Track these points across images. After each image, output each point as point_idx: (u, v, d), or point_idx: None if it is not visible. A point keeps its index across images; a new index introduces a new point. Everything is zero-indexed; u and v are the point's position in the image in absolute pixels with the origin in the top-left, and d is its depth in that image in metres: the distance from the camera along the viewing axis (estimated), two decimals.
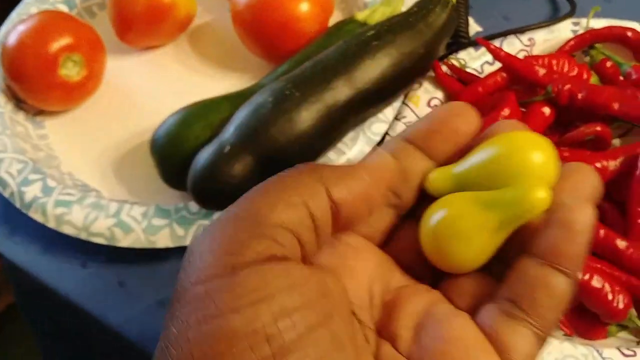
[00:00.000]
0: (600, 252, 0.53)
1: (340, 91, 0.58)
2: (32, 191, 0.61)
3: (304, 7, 0.66)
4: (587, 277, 0.51)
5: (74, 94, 0.68)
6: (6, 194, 0.62)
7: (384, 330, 0.33)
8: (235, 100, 0.61)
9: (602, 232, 0.53)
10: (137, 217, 0.60)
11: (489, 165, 0.34)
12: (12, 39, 0.66)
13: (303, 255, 0.32)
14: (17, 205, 0.61)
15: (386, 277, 0.35)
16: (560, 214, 0.31)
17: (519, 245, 0.33)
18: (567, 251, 0.31)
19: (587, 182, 0.34)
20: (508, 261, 0.32)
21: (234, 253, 0.30)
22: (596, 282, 0.51)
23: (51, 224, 0.60)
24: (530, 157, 0.33)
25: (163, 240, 0.59)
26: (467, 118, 0.36)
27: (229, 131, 0.56)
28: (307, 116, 0.56)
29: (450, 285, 0.34)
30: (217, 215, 0.59)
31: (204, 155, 0.56)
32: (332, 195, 0.33)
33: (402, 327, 0.33)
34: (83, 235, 0.60)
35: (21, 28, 0.66)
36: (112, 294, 0.60)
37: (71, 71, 0.67)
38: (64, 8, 0.75)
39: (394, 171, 0.35)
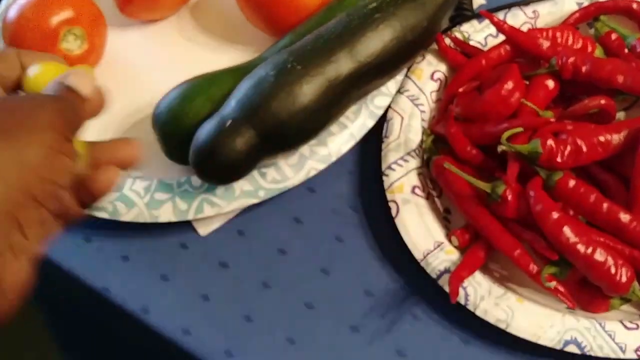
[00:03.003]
0: (603, 226, 0.53)
1: (343, 64, 0.58)
2: None
3: None
4: (590, 250, 0.51)
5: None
6: None
7: None
8: (236, 73, 0.61)
9: (605, 205, 0.52)
10: (139, 192, 0.60)
11: None
12: (13, 13, 0.66)
13: None
14: None
15: None
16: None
17: None
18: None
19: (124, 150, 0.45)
20: None
21: None
22: (599, 255, 0.50)
23: None
24: None
25: (166, 214, 0.59)
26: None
27: (231, 105, 0.56)
28: (308, 90, 0.56)
29: None
30: (219, 189, 0.59)
31: (206, 130, 0.55)
32: None
33: None
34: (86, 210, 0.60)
35: (22, 2, 0.66)
36: (116, 268, 0.61)
37: (72, 45, 0.66)
38: None
39: None
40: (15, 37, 0.65)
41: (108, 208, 0.59)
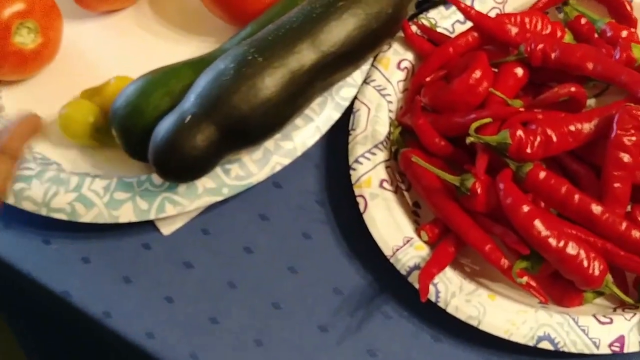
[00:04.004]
0: (575, 218, 0.52)
1: (306, 55, 0.56)
2: None
3: None
4: (561, 244, 0.50)
5: (30, 62, 0.65)
6: None
7: None
8: (196, 66, 0.59)
9: (576, 197, 0.51)
10: (98, 191, 0.58)
11: None
12: None
13: None
14: None
15: None
16: None
17: None
18: None
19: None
20: None
21: None
22: (571, 249, 0.49)
23: (10, 200, 0.58)
24: None
25: (126, 214, 0.57)
26: None
27: (190, 100, 0.54)
28: (271, 82, 0.54)
29: None
30: (181, 187, 0.57)
31: (165, 126, 0.54)
32: None
33: None
34: (43, 212, 0.58)
35: None
36: (76, 271, 0.59)
37: (26, 39, 0.64)
38: None
39: None
40: None
41: (66, 209, 0.57)
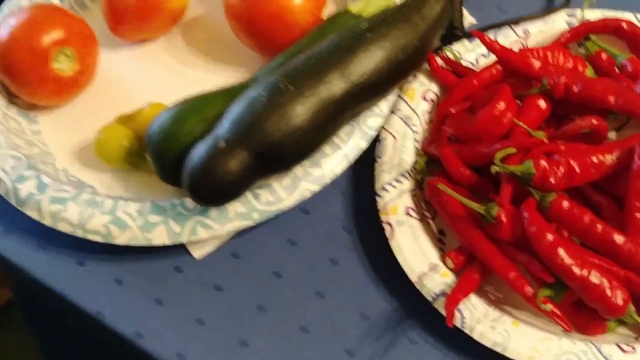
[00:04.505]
0: (598, 247, 0.53)
1: (335, 85, 0.58)
2: (27, 188, 0.61)
3: None
4: (585, 272, 0.51)
5: (67, 88, 0.68)
6: (1, 191, 0.62)
7: None
8: (229, 94, 0.61)
9: (599, 226, 0.53)
10: (132, 214, 0.60)
11: None
12: (3, 33, 0.65)
13: None
14: (13, 202, 0.61)
15: None
16: None
17: None
18: None
19: None
20: None
21: None
22: (594, 277, 0.51)
23: (47, 222, 0.60)
24: None
25: (159, 237, 0.59)
26: None
27: (224, 126, 0.56)
28: (302, 110, 0.56)
29: None
30: (213, 211, 0.59)
31: (199, 151, 0.55)
32: None
33: None
34: (79, 233, 0.59)
35: (12, 21, 0.66)
36: (109, 292, 0.60)
37: (64, 65, 0.66)
38: (55, 1, 0.74)
39: None
40: (5, 58, 0.65)
41: (101, 231, 0.59)
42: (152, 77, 0.72)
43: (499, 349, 0.53)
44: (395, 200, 0.60)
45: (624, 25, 0.66)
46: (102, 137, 0.64)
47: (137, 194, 0.64)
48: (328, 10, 0.70)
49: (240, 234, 0.62)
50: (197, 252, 0.61)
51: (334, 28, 0.65)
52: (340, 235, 0.62)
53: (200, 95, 0.62)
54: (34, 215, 0.61)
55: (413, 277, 0.56)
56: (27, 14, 0.67)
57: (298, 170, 0.60)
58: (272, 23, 0.66)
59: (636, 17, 0.68)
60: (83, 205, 0.60)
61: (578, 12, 0.69)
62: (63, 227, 0.60)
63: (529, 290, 0.53)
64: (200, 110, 0.60)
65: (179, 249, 0.61)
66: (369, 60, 0.59)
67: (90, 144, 0.66)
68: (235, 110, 0.56)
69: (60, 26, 0.66)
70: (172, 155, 0.59)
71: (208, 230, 0.59)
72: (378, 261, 0.60)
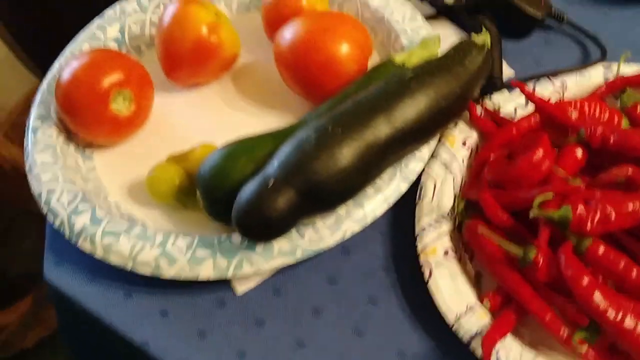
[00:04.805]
0: (633, 292, 0.54)
1: (381, 129, 0.60)
2: (81, 221, 0.64)
3: (345, 49, 0.69)
4: (620, 316, 0.52)
5: (123, 128, 0.71)
6: (56, 223, 0.65)
7: None
8: (278, 136, 0.64)
9: (635, 272, 0.54)
10: (182, 248, 0.62)
11: None
12: (66, 74, 0.69)
13: None
14: (66, 234, 0.64)
15: None
16: None
17: None
18: None
19: None
20: None
21: None
22: (629, 321, 0.52)
23: (99, 254, 0.63)
24: None
25: (206, 271, 0.61)
26: None
27: (273, 165, 0.58)
28: (348, 152, 0.58)
29: None
30: (259, 248, 0.61)
31: (249, 188, 0.58)
32: None
33: None
34: (129, 265, 0.62)
35: (75, 64, 0.69)
36: (155, 323, 0.63)
37: (121, 106, 0.70)
38: (114, 46, 0.79)
39: None
40: (67, 97, 0.69)
41: (151, 263, 0.61)
42: (204, 119, 0.75)
43: None
44: (435, 241, 0.61)
45: None
46: (155, 174, 0.67)
47: (185, 230, 0.66)
48: (372, 61, 0.73)
49: (282, 270, 0.64)
50: (240, 287, 0.64)
51: (379, 77, 0.68)
52: (379, 275, 0.64)
53: (250, 137, 0.65)
54: (86, 247, 0.63)
55: (450, 317, 0.58)
56: (89, 57, 0.70)
57: (341, 210, 0.62)
58: (320, 72, 0.69)
59: None
60: (134, 239, 0.63)
61: (614, 66, 0.71)
62: (114, 260, 0.62)
63: (564, 332, 0.54)
64: (250, 150, 0.63)
65: (223, 283, 0.64)
66: (413, 107, 0.62)
67: (141, 181, 0.70)
68: (285, 150, 0.59)
69: (120, 69, 0.69)
70: (221, 193, 0.62)
71: (253, 266, 0.61)
72: (416, 301, 0.62)
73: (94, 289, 0.65)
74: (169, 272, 0.61)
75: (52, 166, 0.68)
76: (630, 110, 0.67)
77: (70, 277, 0.66)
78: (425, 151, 0.66)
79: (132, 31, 0.80)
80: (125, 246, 0.62)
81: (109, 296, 0.65)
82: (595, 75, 0.71)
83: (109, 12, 0.81)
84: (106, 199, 0.69)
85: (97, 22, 0.80)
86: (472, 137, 0.68)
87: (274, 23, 0.75)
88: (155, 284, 0.64)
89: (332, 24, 0.71)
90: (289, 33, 0.71)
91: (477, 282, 0.61)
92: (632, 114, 0.67)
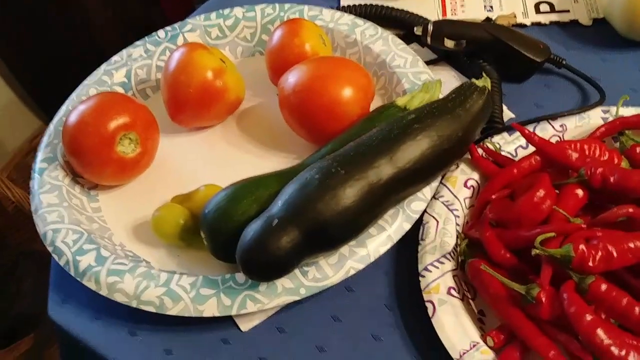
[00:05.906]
0: (635, 329, 0.54)
1: (383, 170, 0.61)
2: (86, 260, 0.65)
3: (348, 93, 0.70)
4: (623, 353, 0.52)
5: (128, 169, 0.72)
6: (61, 262, 0.65)
7: None
8: (281, 177, 0.65)
9: (637, 309, 0.54)
10: (185, 287, 0.62)
11: None
12: (73, 118, 0.70)
13: None
14: (72, 273, 0.64)
15: None
16: None
17: None
18: None
19: None
20: None
21: None
22: (632, 358, 0.52)
23: (104, 292, 0.63)
24: None
25: (210, 309, 0.61)
26: None
27: (277, 205, 0.59)
28: (351, 193, 0.59)
29: None
30: (262, 286, 0.62)
31: (253, 228, 0.58)
32: None
33: None
34: (134, 304, 0.62)
35: (82, 107, 0.71)
36: None
37: (127, 148, 0.71)
38: (120, 90, 0.80)
39: None
40: (74, 140, 0.70)
41: (155, 302, 0.62)
42: (208, 160, 0.76)
43: None
44: (438, 280, 0.62)
45: None
46: (160, 214, 0.67)
47: (189, 269, 0.67)
48: (375, 104, 0.74)
49: (286, 308, 0.64)
50: (244, 325, 0.64)
51: (381, 119, 0.69)
52: (383, 313, 0.64)
53: (255, 178, 0.66)
54: (91, 285, 0.64)
55: (454, 354, 0.58)
56: (95, 100, 0.71)
57: (344, 249, 0.63)
58: (323, 115, 0.71)
59: None
60: (139, 278, 0.63)
61: (613, 109, 0.72)
62: (119, 298, 0.63)
63: None
64: (254, 191, 0.64)
65: (227, 322, 0.64)
66: (415, 149, 0.63)
67: (146, 221, 0.70)
68: (289, 191, 0.60)
69: (126, 112, 0.70)
70: (225, 232, 0.62)
71: (257, 304, 0.61)
72: (419, 338, 0.62)
73: (99, 327, 0.65)
74: (173, 310, 0.62)
75: (57, 207, 0.69)
76: (629, 151, 0.68)
77: (75, 316, 0.66)
78: (427, 191, 0.67)
79: (138, 76, 0.82)
80: (130, 285, 0.63)
81: (113, 334, 0.65)
82: (595, 118, 0.72)
83: (115, 58, 0.82)
84: (111, 239, 0.69)
85: (103, 67, 0.82)
86: (474, 177, 0.69)
87: (278, 68, 0.76)
88: (160, 322, 0.64)
89: (335, 68, 0.72)
90: (293, 77, 0.72)
91: (480, 320, 0.61)
92: (631, 155, 0.68)
